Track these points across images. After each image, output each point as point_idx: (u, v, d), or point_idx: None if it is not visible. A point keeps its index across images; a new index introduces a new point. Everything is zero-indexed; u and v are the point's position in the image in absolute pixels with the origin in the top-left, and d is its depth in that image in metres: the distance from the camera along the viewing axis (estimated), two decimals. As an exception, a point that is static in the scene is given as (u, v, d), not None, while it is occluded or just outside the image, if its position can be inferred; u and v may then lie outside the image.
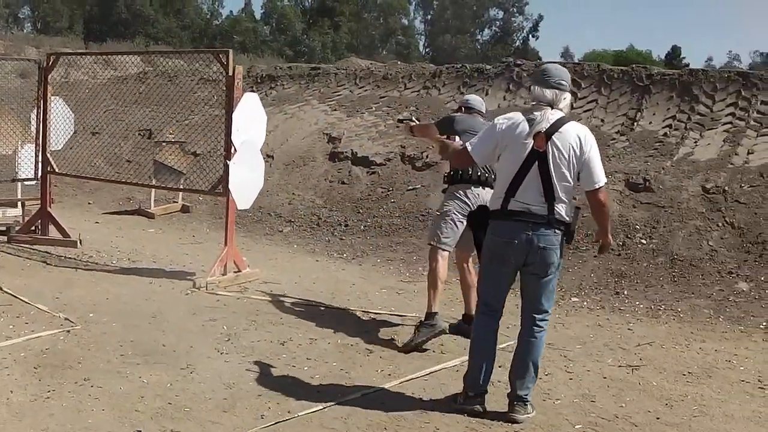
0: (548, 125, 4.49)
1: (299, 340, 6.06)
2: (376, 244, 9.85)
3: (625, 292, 8.09)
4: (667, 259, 8.63)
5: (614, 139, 11.09)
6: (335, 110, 13.74)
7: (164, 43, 41.23)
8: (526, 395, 4.77)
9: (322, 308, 7.13)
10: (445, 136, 6.24)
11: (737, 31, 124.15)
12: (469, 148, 4.69)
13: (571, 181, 4.57)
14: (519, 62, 13.48)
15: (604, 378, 5.67)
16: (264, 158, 8.50)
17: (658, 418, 4.93)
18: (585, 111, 11.95)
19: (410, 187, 11.02)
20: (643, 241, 8.95)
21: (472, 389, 4.80)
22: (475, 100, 6.73)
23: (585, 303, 7.82)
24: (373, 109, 13.45)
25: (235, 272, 7.80)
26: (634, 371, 5.85)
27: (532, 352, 4.75)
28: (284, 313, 6.81)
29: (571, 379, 5.60)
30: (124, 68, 17.01)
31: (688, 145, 10.47)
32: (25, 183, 9.75)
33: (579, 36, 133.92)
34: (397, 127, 7.48)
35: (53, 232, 9.10)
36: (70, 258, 8.53)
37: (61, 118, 9.13)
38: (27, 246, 8.96)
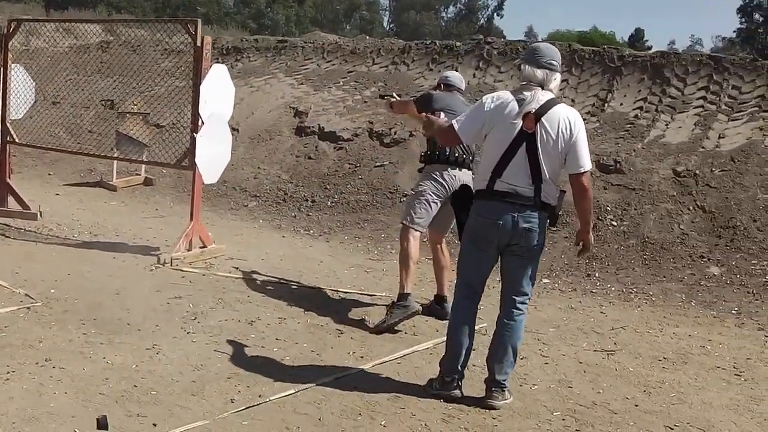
0: (538, 106, 4.35)
1: (268, 320, 5.88)
2: (344, 221, 9.67)
3: (597, 275, 8.02)
4: (638, 241, 8.58)
5: (585, 119, 10.85)
6: (302, 84, 13.47)
7: (126, 12, 40.34)
8: (504, 380, 4.64)
9: (292, 286, 6.94)
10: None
11: (699, 15, 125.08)
12: (456, 126, 4.52)
13: (558, 163, 4.45)
14: (489, 40, 13.31)
15: (580, 363, 5.57)
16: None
17: (636, 406, 4.85)
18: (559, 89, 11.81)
19: (378, 164, 10.84)
20: (614, 223, 8.89)
21: (449, 374, 4.67)
22: (455, 77, 6.57)
23: (556, 285, 7.73)
24: (341, 83, 13.21)
25: (200, 248, 7.57)
26: (609, 356, 5.78)
27: (511, 336, 4.62)
28: (252, 291, 6.62)
29: (546, 363, 5.49)
30: (85, 37, 16.51)
31: (659, 128, 10.41)
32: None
33: (543, 15, 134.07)
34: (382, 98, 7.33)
35: (12, 204, 8.77)
36: (29, 231, 8.23)
37: (21, 86, 8.78)
38: (-16, 218, 8.63)
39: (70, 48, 15.94)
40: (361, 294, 6.85)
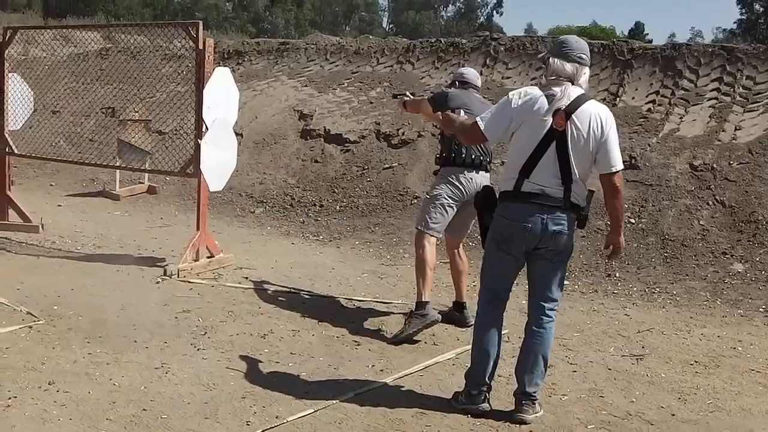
0: (568, 102, 4.09)
1: (281, 333, 5.62)
2: (353, 225, 9.42)
3: (617, 274, 7.77)
4: (657, 239, 8.32)
5: (597, 115, 10.73)
6: (306, 86, 13.22)
7: (125, 20, 40.12)
8: (535, 392, 4.39)
9: (304, 296, 6.69)
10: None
11: (699, 7, 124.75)
12: (482, 124, 4.24)
13: (588, 163, 4.21)
14: (495, 36, 13.06)
15: (609, 369, 5.32)
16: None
17: (673, 415, 4.60)
18: (565, 86, 11.56)
19: (386, 166, 10.58)
20: (632, 221, 8.62)
21: (476, 387, 4.42)
22: (470, 73, 6.31)
23: (576, 287, 7.48)
24: (345, 84, 12.96)
25: (207, 258, 7.32)
26: (638, 361, 5.53)
27: (541, 345, 4.37)
28: (263, 302, 6.37)
29: (575, 371, 5.24)
30: (84, 45, 16.30)
31: (673, 121, 10.15)
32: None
33: (542, 12, 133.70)
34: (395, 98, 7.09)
35: (13, 217, 8.52)
36: (31, 244, 7.97)
37: (19, 95, 8.54)
38: (-16, 232, 8.37)
39: (69, 56, 15.72)
40: (377, 302, 6.60)
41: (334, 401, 4.42)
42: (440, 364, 5.21)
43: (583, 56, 4.22)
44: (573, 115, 4.09)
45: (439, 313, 6.04)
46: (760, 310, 6.87)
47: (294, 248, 8.58)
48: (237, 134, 10.47)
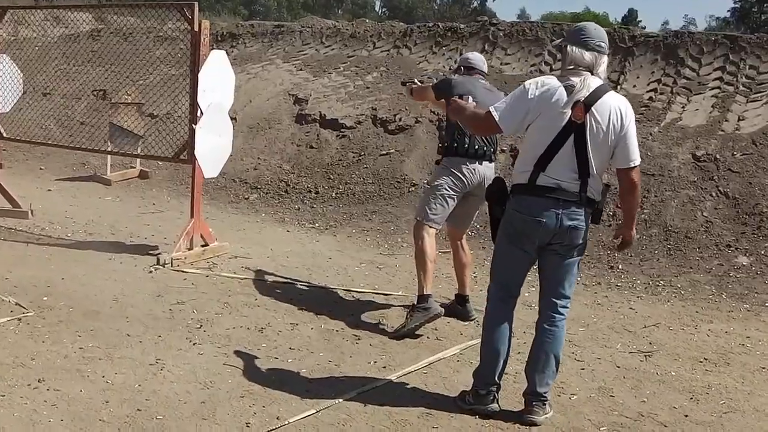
0: (588, 93, 3.90)
1: (279, 326, 5.44)
2: (350, 213, 9.22)
3: (620, 266, 7.61)
4: (660, 230, 8.17)
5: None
6: (301, 70, 12.99)
7: (117, 0, 39.60)
8: (546, 393, 4.23)
9: (302, 287, 6.50)
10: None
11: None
12: (496, 115, 4.02)
13: (606, 156, 4.03)
14: (494, 21, 12.85)
15: (618, 367, 5.17)
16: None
17: (686, 416, 4.45)
18: (565, 73, 11.38)
19: (383, 152, 10.38)
20: (635, 212, 8.43)
21: (484, 386, 4.25)
22: (476, 58, 6.09)
23: (580, 278, 7.26)
24: (341, 69, 12.74)
25: (202, 246, 7.12)
26: (647, 358, 5.38)
27: (552, 344, 4.20)
28: (259, 294, 6.17)
29: (583, 369, 5.08)
30: (75, 26, 16.01)
31: (675, 111, 9.98)
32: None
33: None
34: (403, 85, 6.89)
35: (2, 202, 8.30)
36: (20, 230, 7.74)
37: (8, 77, 8.30)
38: (-29, 217, 8.14)
39: (60, 37, 15.45)
40: (376, 293, 6.42)
41: (337, 400, 4.25)
42: (444, 360, 5.04)
43: (602, 44, 4.03)
44: (593, 108, 3.91)
45: (441, 305, 5.90)
46: (767, 304, 6.73)
47: (290, 236, 8.39)
48: (231, 118, 10.29)
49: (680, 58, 10.82)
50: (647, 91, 10.48)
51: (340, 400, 4.26)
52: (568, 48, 4.03)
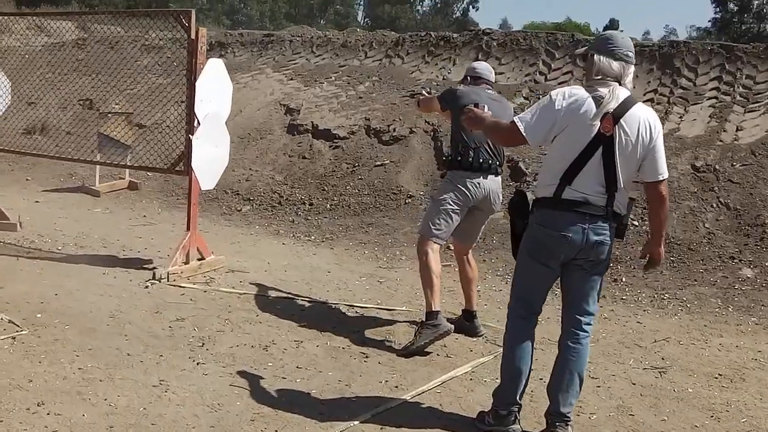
0: (616, 105, 3.75)
1: (283, 344, 5.24)
2: (346, 225, 9.04)
3: (623, 279, 7.48)
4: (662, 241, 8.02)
5: (594, 112, 10.45)
6: (291, 80, 12.83)
7: (101, 9, 39.27)
8: (569, 413, 4.06)
9: (303, 302, 6.31)
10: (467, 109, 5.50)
11: (673, 5, 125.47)
12: (521, 126, 3.86)
13: (634, 170, 3.89)
14: (488, 30, 12.74)
15: (633, 384, 5.03)
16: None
17: (709, 436, 4.29)
18: (560, 83, 11.28)
19: (378, 163, 10.21)
20: (636, 223, 8.34)
21: (505, 406, 4.09)
22: (483, 67, 5.93)
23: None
24: (333, 78, 12.58)
25: (198, 260, 6.91)
26: (662, 375, 5.24)
27: (577, 362, 4.04)
28: (260, 310, 5.97)
29: (598, 386, 4.93)
30: (59, 34, 15.80)
31: (672, 121, 9.89)
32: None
33: (517, 8, 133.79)
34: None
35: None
36: (9, 244, 7.48)
37: (-5, 86, 8.08)
38: (-43, 230, 7.87)
39: (44, 46, 15.20)
40: (380, 309, 6.24)
41: (352, 423, 4.07)
42: (457, 378, 4.87)
43: (630, 54, 3.90)
44: (621, 120, 3.76)
45: (447, 321, 5.75)
46: (775, 318, 6.63)
47: (286, 249, 8.19)
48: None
49: (676, 68, 10.76)
50: (644, 101, 10.32)
51: (356, 422, 4.08)
52: (595, 57, 3.87)
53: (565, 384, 4.03)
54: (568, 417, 4.05)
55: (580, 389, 4.13)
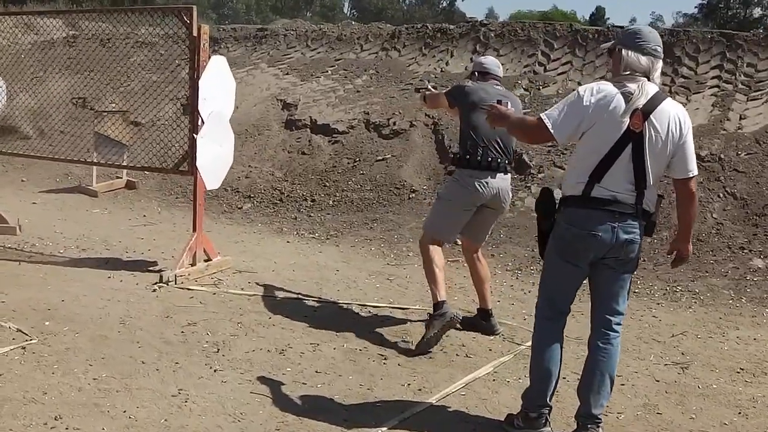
0: (646, 101, 3.65)
1: (299, 347, 5.13)
2: (350, 222, 8.92)
3: (635, 272, 7.36)
4: (671, 233, 7.94)
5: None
6: (287, 74, 12.69)
7: (87, 6, 38.86)
8: (600, 414, 3.97)
9: (315, 302, 6.19)
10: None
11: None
12: (548, 123, 3.75)
13: (663, 167, 3.80)
14: (485, 22, 12.63)
15: (657, 381, 4.95)
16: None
17: (739, 433, 4.21)
18: (559, 73, 11.22)
19: (379, 157, 10.10)
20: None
21: (535, 409, 3.99)
22: (491, 62, 5.81)
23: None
24: (329, 72, 12.45)
25: (205, 261, 6.79)
26: (684, 370, 5.17)
27: (608, 363, 3.95)
28: (272, 312, 5.85)
29: (623, 384, 4.83)
30: (47, 32, 15.57)
31: (675, 110, 9.79)
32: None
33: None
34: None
35: (-12, 219, 7.92)
36: (10, 248, 7.33)
37: (-11, 86, 7.91)
38: (-45, 235, 7.71)
39: (33, 44, 14.98)
40: (393, 308, 6.13)
41: (380, 430, 3.96)
42: (480, 379, 4.77)
43: (658, 48, 3.79)
44: (651, 116, 3.66)
45: (462, 319, 5.67)
46: (789, 309, 6.57)
47: (291, 247, 8.07)
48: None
49: (677, 57, 10.67)
50: (645, 91, 10.29)
51: (384, 429, 3.98)
52: (623, 52, 3.77)
53: (596, 385, 3.94)
54: (599, 419, 3.97)
55: (611, 390, 4.04)
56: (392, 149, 10.12)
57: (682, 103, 9.82)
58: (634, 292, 6.95)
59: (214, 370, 4.62)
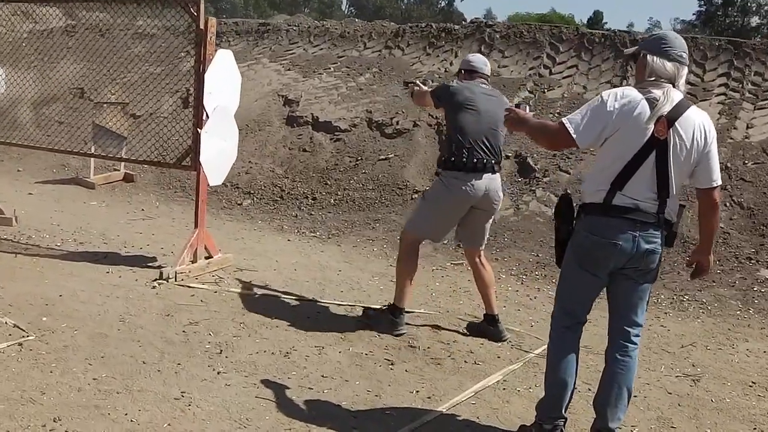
0: (671, 108, 3.54)
1: (304, 350, 4.99)
2: (351, 221, 8.79)
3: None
4: (678, 241, 7.79)
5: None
6: (289, 70, 12.54)
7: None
8: (617, 428, 3.86)
9: (318, 303, 6.06)
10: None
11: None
12: (571, 128, 3.62)
13: (686, 175, 3.70)
14: (490, 22, 12.51)
15: (669, 393, 4.85)
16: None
17: (756, 450, 4.10)
18: (565, 77, 11.09)
19: (382, 157, 9.97)
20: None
21: (549, 420, 3.87)
22: (478, 60, 5.67)
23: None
24: (332, 69, 12.30)
25: (206, 258, 6.64)
26: (696, 383, 5.05)
27: (626, 375, 3.84)
28: (274, 313, 5.69)
29: (635, 396, 4.65)
30: (45, 21, 15.40)
31: (682, 116, 9.69)
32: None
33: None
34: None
35: (-17, 209, 7.77)
36: (6, 239, 7.16)
37: (-13, 74, 7.74)
38: (-50, 226, 7.54)
39: (30, 33, 14.80)
40: (397, 311, 5.99)
41: (390, 439, 3.84)
42: (489, 388, 4.65)
43: (684, 54, 3.68)
44: (676, 123, 3.55)
45: (468, 325, 5.65)
46: (798, 321, 6.47)
47: (292, 246, 7.93)
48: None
49: (684, 63, 10.54)
50: (651, 96, 10.18)
51: (394, 437, 3.86)
52: (648, 58, 3.66)
53: (614, 398, 3.84)
54: (616, 432, 3.86)
55: (628, 403, 3.93)
56: (395, 149, 9.99)
57: (688, 110, 9.79)
58: (641, 300, 6.85)
59: (218, 373, 4.48)
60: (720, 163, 8.55)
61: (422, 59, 12.03)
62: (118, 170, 10.39)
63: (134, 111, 10.98)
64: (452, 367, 4.94)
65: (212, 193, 9.59)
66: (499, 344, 5.43)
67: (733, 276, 7.34)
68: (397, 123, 10.39)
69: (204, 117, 6.39)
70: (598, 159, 3.78)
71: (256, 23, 14.56)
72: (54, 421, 3.71)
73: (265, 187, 9.84)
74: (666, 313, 6.61)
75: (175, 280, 6.17)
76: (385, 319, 5.43)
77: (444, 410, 4.26)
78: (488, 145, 5.28)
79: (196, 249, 6.53)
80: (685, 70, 3.71)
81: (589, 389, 4.72)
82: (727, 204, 8.33)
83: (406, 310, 5.58)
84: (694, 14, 63.91)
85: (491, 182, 5.33)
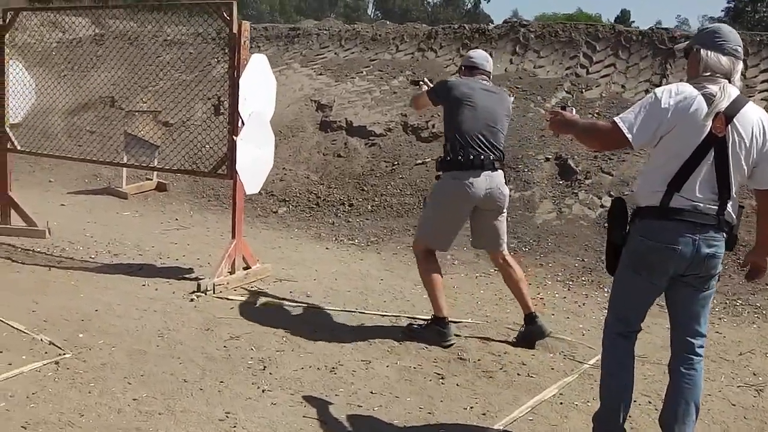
0: (728, 103, 3.32)
1: (350, 364, 4.80)
2: (390, 228, 8.59)
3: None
4: (728, 243, 7.58)
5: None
6: (321, 75, 12.36)
7: (113, 3, 38.79)
8: (686, 446, 3.62)
9: (361, 314, 5.86)
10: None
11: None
12: (624, 127, 3.41)
13: (745, 174, 3.47)
14: (524, 22, 12.26)
15: (733, 405, 4.61)
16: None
17: (836, 469, 3.85)
18: (603, 76, 10.82)
19: (419, 161, 9.77)
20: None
21: (608, 435, 3.65)
22: (479, 56, 5.53)
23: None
24: (364, 73, 12.12)
25: (243, 269, 6.48)
26: (759, 393, 4.81)
27: (692, 390, 3.62)
28: (317, 325, 5.51)
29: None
30: (73, 30, 15.38)
31: (726, 114, 9.40)
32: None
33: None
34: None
35: (16, 220, 7.65)
36: (39, 252, 7.06)
37: (20, 85, 7.64)
38: (-16, 239, 7.44)
39: (60, 42, 14.77)
40: (443, 322, 5.78)
41: (447, 461, 3.64)
42: (546, 402, 4.43)
43: (739, 49, 3.46)
44: (734, 119, 3.33)
45: (518, 335, 5.44)
46: None
47: (330, 254, 7.75)
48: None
49: (726, 59, 10.25)
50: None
51: (451, 460, 3.65)
52: (702, 52, 3.44)
53: (681, 414, 3.61)
54: (687, 452, 3.62)
55: (696, 418, 3.69)
56: (432, 153, 9.77)
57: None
58: (694, 305, 6.60)
59: (263, 390, 4.30)
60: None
61: (456, 61, 11.79)
62: (151, 179, 10.28)
63: (166, 119, 10.88)
64: (505, 380, 4.72)
65: (247, 201, 9.39)
66: (552, 355, 5.21)
67: (788, 278, 7.05)
68: (433, 126, 10.18)
69: (239, 124, 6.22)
70: (652, 159, 3.57)
71: (286, 28, 14.42)
72: (95, 446, 3.54)
73: (300, 194, 9.68)
74: (720, 318, 6.36)
75: (214, 293, 6.02)
76: (432, 331, 5.24)
77: (500, 427, 4.05)
78: (485, 141, 5.13)
79: (234, 260, 6.36)
80: (740, 64, 3.50)
81: (649, 402, 4.51)
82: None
83: (451, 319, 5.38)
84: (722, 11, 62.98)
85: (492, 180, 5.16)
